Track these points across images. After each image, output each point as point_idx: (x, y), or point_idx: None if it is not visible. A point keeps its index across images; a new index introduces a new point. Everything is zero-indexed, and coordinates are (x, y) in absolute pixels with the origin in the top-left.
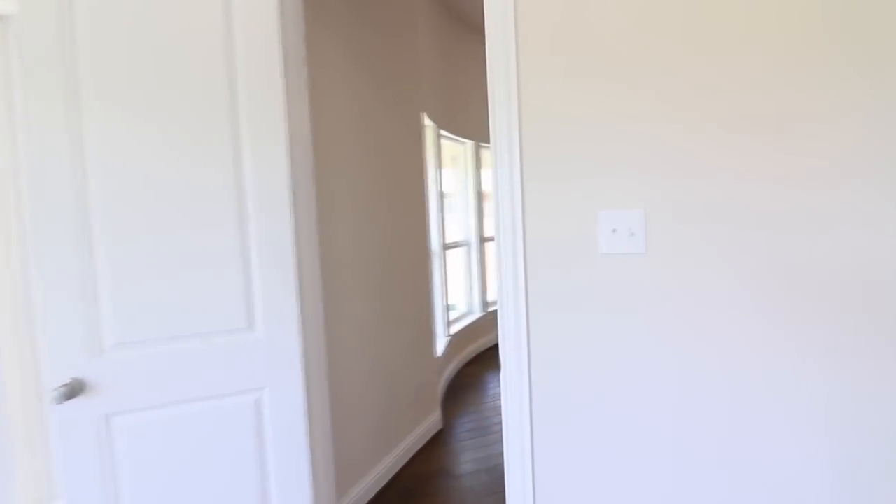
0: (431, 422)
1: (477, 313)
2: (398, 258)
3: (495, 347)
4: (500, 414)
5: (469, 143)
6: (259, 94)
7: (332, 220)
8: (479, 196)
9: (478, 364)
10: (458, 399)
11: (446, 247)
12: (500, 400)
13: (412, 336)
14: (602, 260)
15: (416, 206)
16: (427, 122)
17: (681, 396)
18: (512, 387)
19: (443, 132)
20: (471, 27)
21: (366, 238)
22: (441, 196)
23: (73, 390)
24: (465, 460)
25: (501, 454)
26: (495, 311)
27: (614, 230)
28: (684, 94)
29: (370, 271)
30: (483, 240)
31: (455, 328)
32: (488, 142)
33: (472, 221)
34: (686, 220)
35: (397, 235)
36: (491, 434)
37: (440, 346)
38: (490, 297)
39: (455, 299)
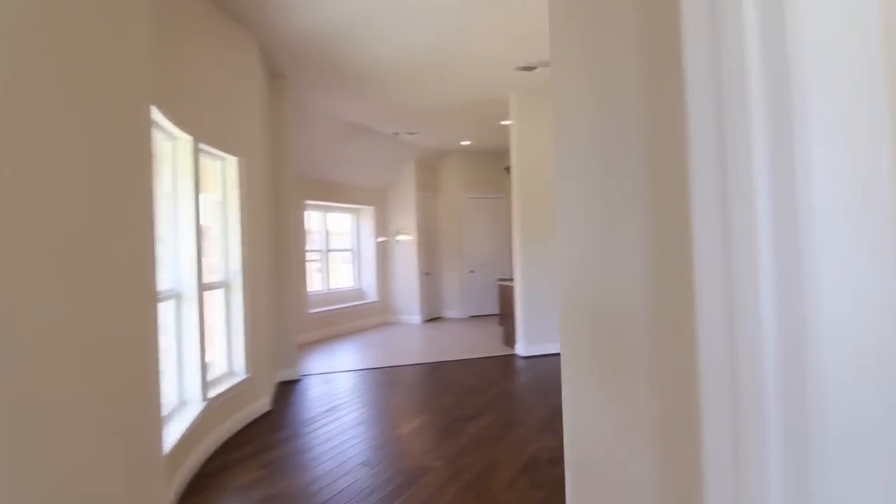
0: None
1: (196, 405)
2: (90, 326)
3: (216, 457)
4: None
5: (185, 138)
6: None
7: None
8: (198, 224)
9: (197, 495)
10: None
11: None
12: None
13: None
14: None
15: (134, 242)
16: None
17: None
18: None
19: (155, 117)
20: None
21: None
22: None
23: None
24: None
25: None
26: (220, 397)
27: None
28: None
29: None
30: (203, 288)
31: (169, 439)
32: (219, 144)
33: (189, 260)
34: None
35: (97, 286)
36: None
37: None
38: (212, 376)
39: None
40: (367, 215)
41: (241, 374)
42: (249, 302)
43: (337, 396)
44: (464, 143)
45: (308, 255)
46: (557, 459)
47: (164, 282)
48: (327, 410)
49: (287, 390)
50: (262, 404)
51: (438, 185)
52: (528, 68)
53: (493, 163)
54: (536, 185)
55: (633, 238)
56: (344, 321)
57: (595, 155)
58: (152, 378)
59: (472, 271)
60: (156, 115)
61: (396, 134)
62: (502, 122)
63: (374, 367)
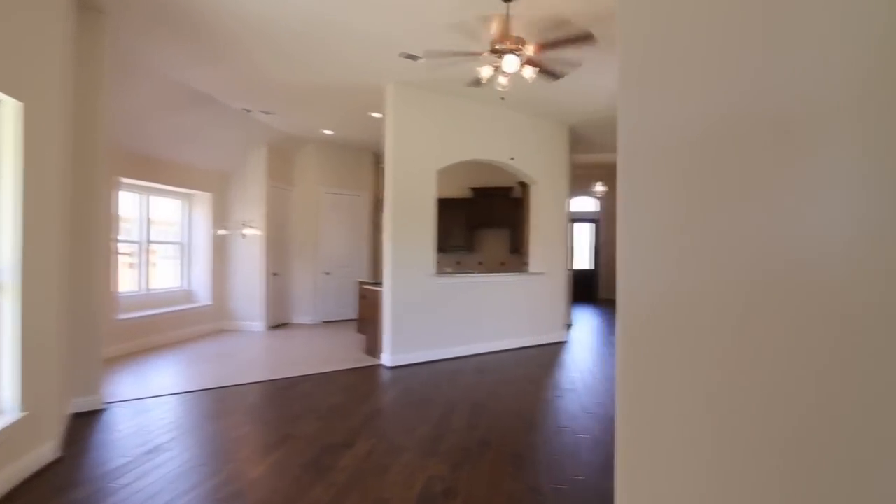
0: None
1: None
2: None
3: None
4: None
5: None
6: None
7: None
8: None
9: None
10: None
11: None
12: None
13: None
14: None
15: None
16: None
17: None
18: None
19: None
20: None
21: None
22: None
23: None
24: None
25: None
26: None
27: None
28: None
29: None
30: None
31: None
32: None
33: None
34: None
35: None
36: None
37: None
38: None
39: None
40: (203, 203)
41: (11, 411)
42: (29, 307)
43: (159, 431)
44: (326, 131)
45: (120, 248)
46: (453, 491)
47: None
48: (146, 453)
49: (85, 427)
50: (46, 451)
51: (293, 175)
52: (413, 57)
53: (356, 157)
54: (412, 184)
55: None
56: (167, 329)
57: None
58: None
59: (326, 273)
60: None
61: (248, 111)
62: (373, 114)
63: (209, 387)
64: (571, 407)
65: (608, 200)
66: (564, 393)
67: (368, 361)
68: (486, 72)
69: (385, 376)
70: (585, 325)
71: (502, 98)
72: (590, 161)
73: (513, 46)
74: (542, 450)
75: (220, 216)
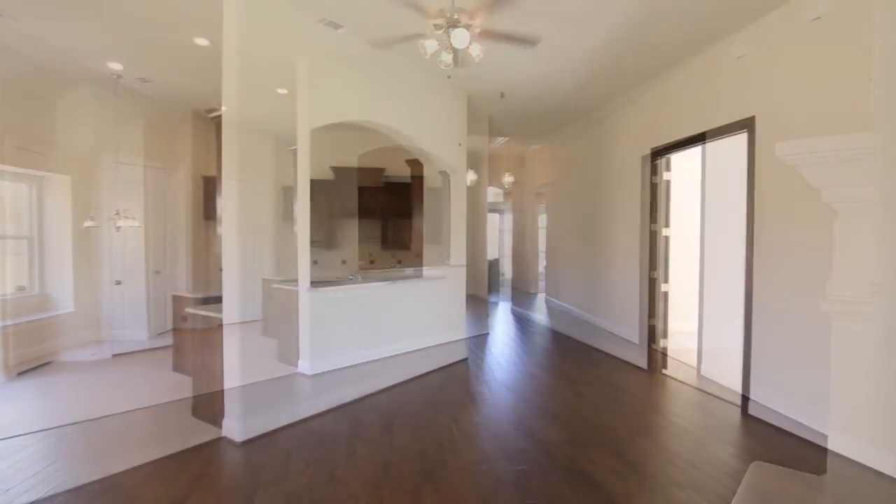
0: None
1: None
2: None
3: None
4: None
5: None
6: None
7: None
8: None
9: None
10: None
11: None
12: None
13: None
14: None
15: None
16: None
17: None
18: None
19: None
20: None
21: None
22: None
23: None
24: None
25: None
26: None
27: None
28: None
29: None
30: None
31: None
32: None
33: None
34: None
35: None
36: None
37: None
38: None
39: None
40: (60, 188)
41: None
42: None
43: (32, 481)
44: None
45: None
46: None
47: None
48: None
49: None
50: None
51: (176, 156)
52: (335, 25)
53: (255, 137)
54: (331, 173)
55: None
56: (13, 345)
57: None
58: None
59: (221, 269)
60: None
61: (118, 77)
62: (279, 90)
63: (74, 421)
64: (519, 406)
65: (515, 191)
66: (503, 391)
67: (286, 370)
68: (431, 46)
69: (305, 386)
70: (499, 315)
71: (449, 77)
72: (499, 151)
73: (463, 20)
74: (503, 462)
75: (84, 204)
